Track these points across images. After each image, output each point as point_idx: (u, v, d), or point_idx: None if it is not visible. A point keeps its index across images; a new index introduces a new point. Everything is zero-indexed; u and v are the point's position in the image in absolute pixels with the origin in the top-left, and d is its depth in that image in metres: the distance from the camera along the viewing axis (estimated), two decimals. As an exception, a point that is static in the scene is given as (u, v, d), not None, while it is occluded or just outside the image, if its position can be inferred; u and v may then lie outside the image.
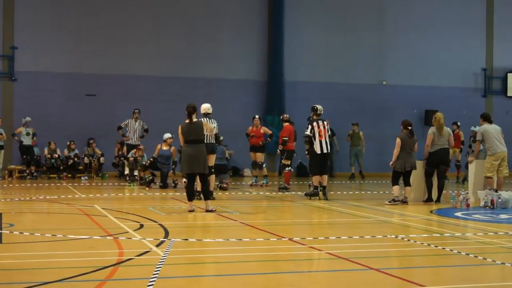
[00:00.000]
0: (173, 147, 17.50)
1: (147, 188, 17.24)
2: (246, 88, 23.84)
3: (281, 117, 18.10)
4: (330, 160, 23.55)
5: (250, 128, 18.58)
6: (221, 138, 17.24)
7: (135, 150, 18.74)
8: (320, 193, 14.41)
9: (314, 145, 14.45)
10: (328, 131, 14.70)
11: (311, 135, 14.50)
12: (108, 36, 22.61)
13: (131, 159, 18.35)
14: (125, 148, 20.65)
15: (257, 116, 18.80)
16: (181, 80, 22.83)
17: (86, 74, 22.28)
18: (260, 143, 18.26)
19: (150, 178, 17.75)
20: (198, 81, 23.14)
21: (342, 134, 23.37)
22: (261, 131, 18.36)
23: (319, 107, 14.83)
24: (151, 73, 22.86)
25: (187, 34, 23.27)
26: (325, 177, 14.60)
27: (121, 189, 17.40)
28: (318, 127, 14.52)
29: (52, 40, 22.12)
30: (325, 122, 14.71)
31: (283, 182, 17.17)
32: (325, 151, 14.49)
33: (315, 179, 14.54)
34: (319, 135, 14.45)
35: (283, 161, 17.23)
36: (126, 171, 19.14)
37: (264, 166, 18.47)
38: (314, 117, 14.75)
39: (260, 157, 18.34)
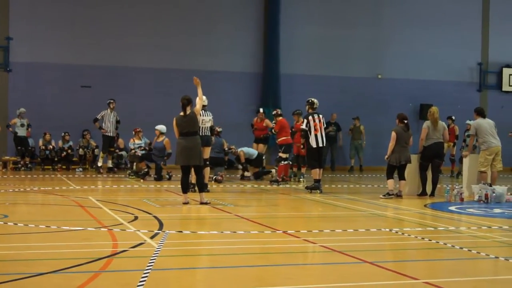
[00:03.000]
0: (166, 139, 17.47)
1: (142, 180, 17.23)
2: (241, 80, 23.77)
3: (274, 112, 17.82)
4: (331, 154, 23.72)
5: (255, 119, 18.82)
6: (219, 129, 17.33)
7: (132, 139, 18.77)
8: (316, 186, 14.48)
9: (310, 139, 14.48)
10: (324, 124, 14.74)
11: (307, 129, 14.52)
12: (104, 27, 22.50)
13: (133, 151, 18.30)
14: (120, 140, 20.67)
15: (261, 110, 19.06)
16: (177, 72, 22.68)
17: (82, 66, 22.14)
18: (261, 136, 18.71)
19: (146, 170, 17.74)
20: (194, 74, 22.80)
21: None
22: (264, 124, 18.58)
23: (315, 100, 14.83)
24: (147, 65, 22.77)
25: (183, 27, 23.18)
26: (321, 170, 14.65)
27: (115, 181, 17.39)
28: (314, 121, 14.53)
29: (47, 31, 21.99)
30: (321, 116, 14.73)
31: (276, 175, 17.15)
32: (321, 144, 14.52)
33: (314, 173, 14.56)
34: (315, 129, 14.46)
35: (280, 154, 17.22)
36: (100, 163, 19.35)
37: (263, 158, 18.56)
38: (310, 110, 14.76)
39: (261, 148, 18.67)
